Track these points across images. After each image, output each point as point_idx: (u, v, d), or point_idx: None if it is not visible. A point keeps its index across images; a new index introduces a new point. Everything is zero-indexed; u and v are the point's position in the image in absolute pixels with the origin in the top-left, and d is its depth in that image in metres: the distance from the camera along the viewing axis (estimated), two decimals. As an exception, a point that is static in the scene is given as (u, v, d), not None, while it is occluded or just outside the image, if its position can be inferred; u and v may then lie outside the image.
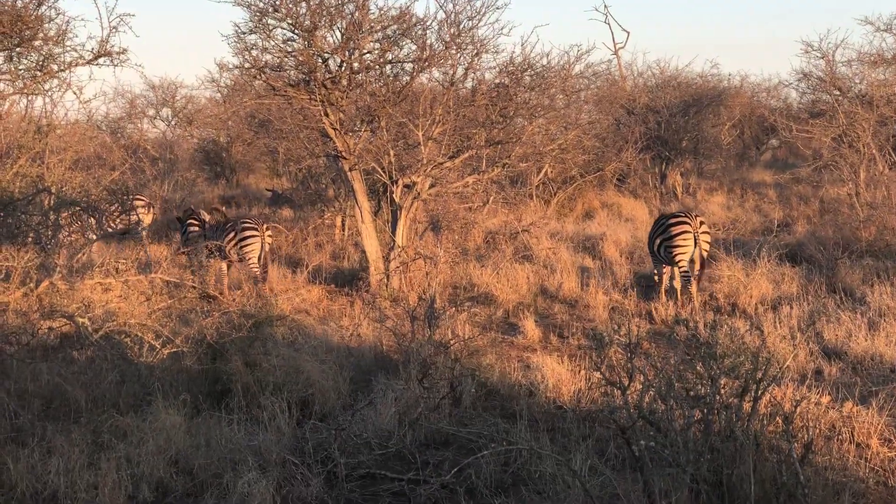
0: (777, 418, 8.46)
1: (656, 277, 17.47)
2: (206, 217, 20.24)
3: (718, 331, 8.92)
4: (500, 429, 9.52)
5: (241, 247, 18.59)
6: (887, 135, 27.01)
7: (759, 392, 8.28)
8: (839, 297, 15.86)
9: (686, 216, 17.02)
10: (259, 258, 18.61)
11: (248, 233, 18.63)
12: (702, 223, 16.96)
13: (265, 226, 18.98)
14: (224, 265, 18.87)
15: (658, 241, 17.18)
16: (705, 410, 8.11)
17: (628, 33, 65.32)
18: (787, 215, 25.83)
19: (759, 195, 30.76)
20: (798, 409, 8.71)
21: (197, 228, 19.63)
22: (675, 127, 32.94)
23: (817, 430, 9.33)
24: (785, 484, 7.79)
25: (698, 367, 8.32)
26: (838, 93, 28.10)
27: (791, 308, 14.92)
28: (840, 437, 9.52)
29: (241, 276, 19.13)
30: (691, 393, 8.20)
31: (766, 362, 8.47)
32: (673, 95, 34.27)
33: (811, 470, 8.29)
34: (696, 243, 16.69)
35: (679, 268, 16.87)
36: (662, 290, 17.14)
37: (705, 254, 16.94)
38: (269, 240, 18.99)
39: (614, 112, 34.00)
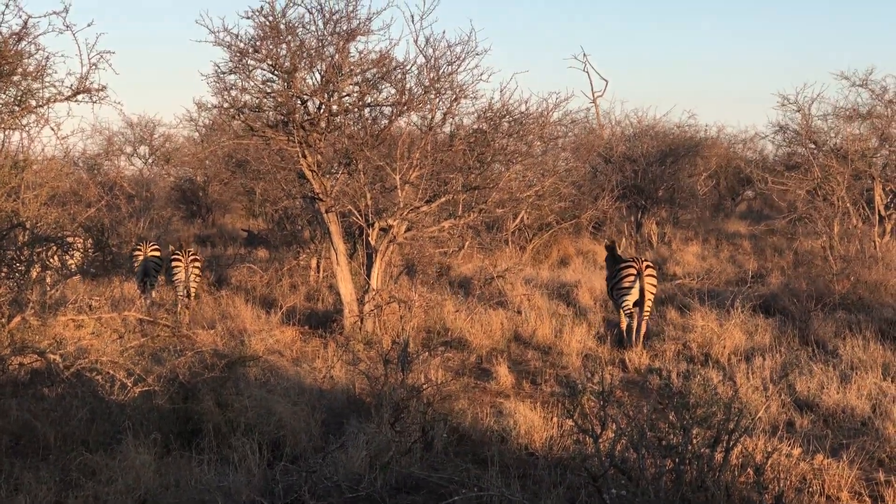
0: (748, 469, 8.46)
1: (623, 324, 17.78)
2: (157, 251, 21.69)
3: (691, 380, 8.96)
4: (471, 474, 9.49)
5: (169, 273, 20.65)
6: (861, 189, 27.19)
7: (731, 443, 8.29)
8: (812, 350, 15.92)
9: (634, 261, 17.72)
10: (183, 282, 20.42)
11: (173, 262, 20.59)
12: (648, 266, 17.63)
13: (191, 257, 20.65)
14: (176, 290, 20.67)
15: (610, 285, 18.14)
16: (677, 460, 8.12)
17: (607, 82, 65.19)
18: (761, 266, 25.90)
19: (733, 246, 30.89)
20: (769, 461, 8.71)
21: (140, 254, 21.22)
22: (651, 176, 33.09)
23: (788, 482, 9.32)
24: (755, 535, 7.79)
25: (671, 417, 8.33)
26: (814, 146, 28.30)
27: (764, 359, 14.96)
28: (811, 489, 9.52)
29: (215, 315, 19.10)
30: (663, 442, 8.21)
31: (739, 413, 8.50)
32: (650, 145, 34.46)
33: (781, 522, 8.29)
34: (638, 279, 17.35)
35: (623, 308, 17.47)
36: (639, 336, 17.29)
37: (649, 296, 17.45)
38: (194, 269, 20.70)
39: (591, 160, 34.16)
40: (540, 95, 38.14)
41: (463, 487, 9.09)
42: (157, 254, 21.19)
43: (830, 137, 28.33)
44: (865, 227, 25.78)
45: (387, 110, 18.29)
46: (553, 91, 40.02)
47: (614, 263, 18.38)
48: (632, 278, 17.49)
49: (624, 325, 17.60)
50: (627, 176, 33.04)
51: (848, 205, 25.87)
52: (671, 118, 61.85)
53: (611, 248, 18.94)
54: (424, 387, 11.70)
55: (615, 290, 17.89)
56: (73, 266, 14.41)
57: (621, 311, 17.62)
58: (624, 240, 19.04)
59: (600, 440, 8.44)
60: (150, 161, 38.96)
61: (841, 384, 13.44)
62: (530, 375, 15.32)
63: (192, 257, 20.69)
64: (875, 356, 15.10)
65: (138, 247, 21.29)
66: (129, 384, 11.37)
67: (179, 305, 19.81)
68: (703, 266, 26.94)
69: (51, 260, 13.49)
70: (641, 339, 17.24)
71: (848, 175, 26.01)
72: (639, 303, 17.48)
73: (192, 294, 20.66)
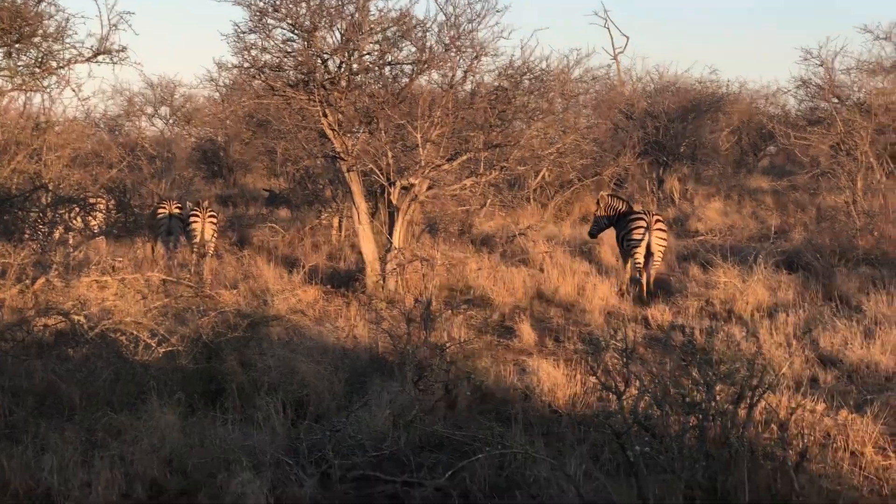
0: (772, 425, 8.47)
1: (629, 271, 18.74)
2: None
3: (714, 337, 8.91)
4: (494, 432, 9.51)
5: (187, 229, 21.24)
6: (885, 143, 27.00)
7: (755, 399, 8.28)
8: (835, 305, 15.86)
9: (644, 213, 18.90)
10: (200, 238, 21.05)
11: (191, 218, 21.22)
12: (657, 220, 18.61)
13: (208, 212, 21.30)
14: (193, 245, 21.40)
15: (621, 236, 18.96)
16: (700, 417, 8.11)
17: (627, 38, 65.30)
18: (784, 222, 25.79)
19: (756, 202, 30.75)
20: (793, 417, 8.70)
21: (164, 211, 21.75)
22: (673, 132, 32.95)
23: (812, 438, 9.31)
24: (779, 491, 7.80)
25: (694, 373, 8.32)
26: (837, 100, 28.09)
27: (787, 315, 14.92)
28: (835, 445, 9.49)
29: (237, 275, 19.13)
30: (687, 399, 8.20)
31: (762, 369, 8.48)
32: (671, 101, 34.27)
33: (806, 478, 8.28)
34: (647, 232, 18.20)
35: (634, 258, 18.37)
36: (649, 285, 18.15)
37: (659, 248, 18.42)
38: (210, 224, 21.21)
39: (613, 117, 34.02)
40: (561, 52, 38.03)
41: (487, 445, 9.11)
42: (179, 212, 21.43)
43: (854, 92, 28.11)
44: (889, 182, 25.63)
45: (407, 69, 18.28)
46: (574, 48, 39.89)
47: (622, 216, 19.11)
48: (641, 231, 18.21)
49: (628, 276, 18.58)
50: (649, 132, 32.91)
51: (871, 159, 25.71)
52: (692, 74, 61.27)
53: (609, 198, 19.70)
54: (447, 345, 11.70)
55: (625, 241, 18.70)
56: (95, 227, 14.47)
57: (631, 260, 18.46)
58: (604, 195, 19.75)
59: (624, 397, 8.44)
60: (170, 122, 39.04)
61: (865, 340, 13.41)
62: (553, 333, 15.32)
63: (209, 213, 21.19)
64: (899, 311, 15.08)
65: (162, 205, 21.47)
66: (153, 344, 11.41)
67: (196, 259, 20.46)
68: (726, 222, 26.88)
69: (73, 221, 13.55)
70: (651, 285, 18.15)
71: (871, 129, 25.83)
72: (648, 255, 18.24)
73: (211, 251, 21.05)
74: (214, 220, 21.41)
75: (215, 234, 21.38)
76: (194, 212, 21.20)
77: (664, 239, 18.55)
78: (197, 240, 20.96)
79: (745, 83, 50.91)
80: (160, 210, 21.47)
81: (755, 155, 42.86)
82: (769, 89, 43.17)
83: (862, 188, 24.76)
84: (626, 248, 18.71)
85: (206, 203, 21.53)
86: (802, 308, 15.52)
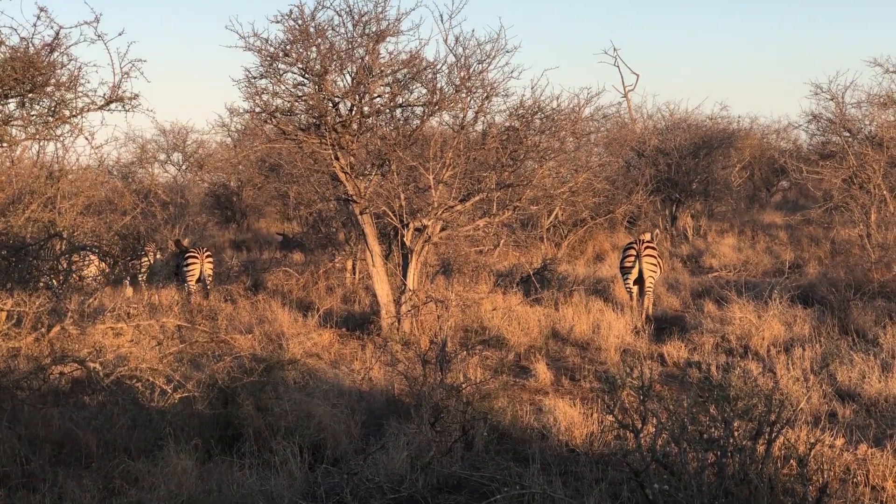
0: (791, 461, 8.41)
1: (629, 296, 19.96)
2: (170, 247, 23.95)
3: (731, 373, 8.89)
4: (512, 472, 9.48)
5: (184, 269, 22.48)
6: (898, 176, 26.95)
7: (773, 435, 8.24)
8: (852, 339, 15.82)
9: (635, 242, 19.88)
10: (197, 279, 22.46)
11: (189, 259, 22.49)
12: (647, 247, 19.65)
13: (205, 253, 22.67)
14: (189, 286, 22.61)
15: (619, 265, 20.35)
16: (719, 453, 8.08)
17: (637, 76, 65.24)
18: (798, 257, 25.78)
19: (769, 237, 30.75)
20: (812, 452, 8.65)
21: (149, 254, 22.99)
22: (685, 169, 32.97)
23: (832, 473, 9.27)
24: (800, 527, 7.74)
25: (711, 410, 8.29)
26: (848, 134, 28.09)
27: (803, 350, 14.87)
28: (855, 479, 9.46)
29: (252, 319, 19.13)
30: (705, 436, 8.17)
31: (780, 405, 8.44)
32: (683, 137, 34.30)
33: (826, 513, 8.23)
34: (638, 259, 19.30)
35: (625, 283, 19.77)
36: (643, 310, 19.16)
37: (650, 275, 19.43)
38: (208, 265, 22.62)
39: (624, 154, 34.02)
40: (571, 91, 38.04)
41: (504, 486, 9.08)
42: (161, 255, 22.64)
43: (865, 125, 28.11)
44: (902, 215, 25.57)
45: (418, 110, 18.27)
46: (584, 87, 39.88)
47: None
48: (632, 259, 19.45)
49: (625, 299, 20.12)
50: (661, 169, 32.93)
51: (885, 192, 25.65)
52: (703, 110, 61.54)
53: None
54: (463, 386, 11.68)
55: (620, 268, 20.02)
56: (97, 276, 14.48)
57: (624, 286, 20.00)
58: (658, 231, 20.39)
59: (641, 435, 8.41)
60: (183, 167, 39.15)
61: (882, 373, 13.35)
62: (569, 372, 15.28)
63: (206, 253, 22.50)
64: (916, 344, 15.04)
65: (146, 249, 22.58)
66: (169, 390, 11.40)
67: (193, 299, 21.78)
68: (740, 258, 26.86)
69: (74, 275, 13.55)
70: (644, 313, 19.00)
71: (884, 162, 25.81)
72: (639, 281, 19.31)
73: (209, 289, 22.26)
74: (211, 260, 22.71)
75: (211, 274, 22.68)
76: (191, 253, 22.35)
77: (654, 265, 19.52)
78: (195, 279, 22.22)
79: (756, 118, 51.04)
80: (145, 252, 22.37)
81: (768, 190, 42.88)
82: (780, 124, 43.36)
83: (876, 221, 24.73)
84: (620, 274, 20.20)
85: (186, 240, 23.47)
86: (819, 342, 15.47)
